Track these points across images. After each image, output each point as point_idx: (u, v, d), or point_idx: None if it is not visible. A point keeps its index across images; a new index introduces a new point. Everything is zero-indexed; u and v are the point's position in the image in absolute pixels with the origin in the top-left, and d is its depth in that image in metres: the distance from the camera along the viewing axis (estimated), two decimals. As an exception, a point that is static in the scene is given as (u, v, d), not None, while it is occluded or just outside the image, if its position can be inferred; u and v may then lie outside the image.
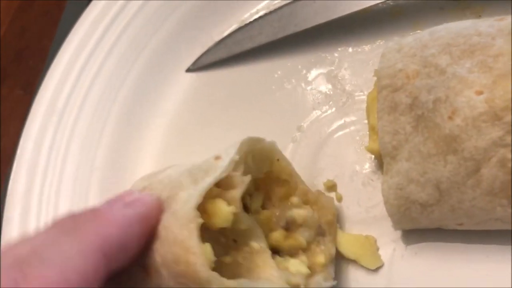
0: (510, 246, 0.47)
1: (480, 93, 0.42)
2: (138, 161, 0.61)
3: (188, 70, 0.65)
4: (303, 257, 0.48)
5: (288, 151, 0.57)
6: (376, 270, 0.50)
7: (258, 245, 0.46)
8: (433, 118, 0.44)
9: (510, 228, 0.44)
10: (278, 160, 0.49)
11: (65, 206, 0.61)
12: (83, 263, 0.35)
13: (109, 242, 0.38)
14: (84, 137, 0.63)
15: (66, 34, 0.68)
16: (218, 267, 0.42)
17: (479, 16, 0.54)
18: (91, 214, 0.40)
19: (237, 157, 0.45)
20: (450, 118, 0.43)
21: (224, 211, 0.43)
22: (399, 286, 0.49)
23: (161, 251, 0.41)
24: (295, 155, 0.57)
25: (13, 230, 0.59)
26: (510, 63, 0.41)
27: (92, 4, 0.68)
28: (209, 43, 0.65)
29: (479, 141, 0.42)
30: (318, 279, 0.47)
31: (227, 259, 0.44)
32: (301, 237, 0.49)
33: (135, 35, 0.66)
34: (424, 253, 0.49)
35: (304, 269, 0.47)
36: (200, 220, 0.40)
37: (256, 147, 0.48)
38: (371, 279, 0.50)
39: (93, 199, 0.61)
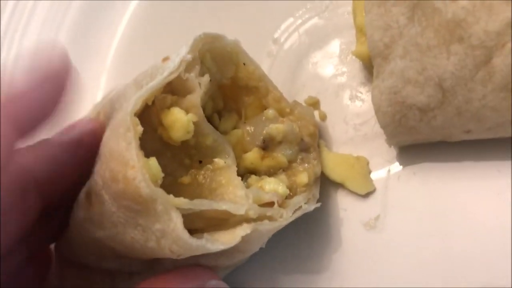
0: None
1: (490, -37, 0.34)
2: (91, 88, 0.53)
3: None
4: (282, 176, 0.41)
5: (263, 68, 0.48)
6: (368, 195, 0.43)
7: (222, 161, 0.38)
8: (432, 2, 0.36)
9: (527, 133, 0.37)
10: (244, 64, 0.41)
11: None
12: None
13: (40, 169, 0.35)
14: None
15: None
16: (178, 190, 0.36)
17: None
18: None
19: (189, 56, 0.37)
20: (453, -1, 0.35)
21: (182, 119, 0.36)
22: (396, 212, 0.42)
23: (100, 171, 0.34)
24: (271, 71, 0.49)
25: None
26: None
27: None
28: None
29: (490, 23, 0.34)
30: (299, 199, 0.40)
31: (186, 179, 0.37)
32: (281, 155, 0.42)
33: None
34: (425, 173, 0.42)
35: (281, 188, 0.40)
36: (140, 128, 0.33)
37: (215, 46, 0.40)
38: (363, 205, 0.43)
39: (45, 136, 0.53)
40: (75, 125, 0.39)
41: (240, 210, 0.35)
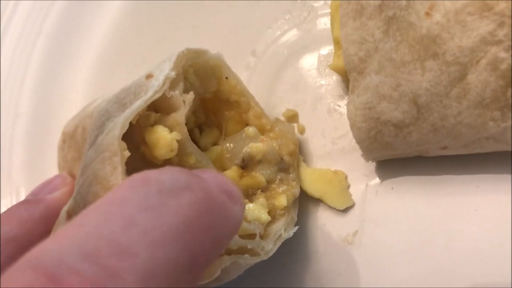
0: (504, 174, 0.39)
1: (464, -22, 0.33)
2: (69, 99, 0.53)
3: (124, -7, 0.55)
4: (261, 199, 0.40)
5: (242, 80, 0.48)
6: (347, 210, 0.42)
7: None
8: (407, 17, 0.35)
9: (504, 149, 0.36)
10: (226, 78, 0.41)
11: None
12: None
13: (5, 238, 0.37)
14: (5, 80, 0.54)
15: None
16: None
17: None
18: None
19: (173, 73, 0.36)
20: (427, 14, 0.34)
21: (166, 138, 0.36)
22: (374, 227, 0.41)
23: (83, 192, 0.33)
24: (250, 84, 0.48)
25: None
26: None
27: None
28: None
29: (464, 39, 0.33)
30: (278, 226, 0.39)
31: None
32: (260, 175, 0.41)
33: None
34: (402, 188, 0.41)
35: (264, 216, 0.39)
36: (127, 153, 0.33)
37: (198, 61, 0.39)
38: (341, 221, 0.42)
39: (19, 148, 0.52)
40: (40, 201, 0.42)
41: None
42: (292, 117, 0.46)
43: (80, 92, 0.53)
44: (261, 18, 0.49)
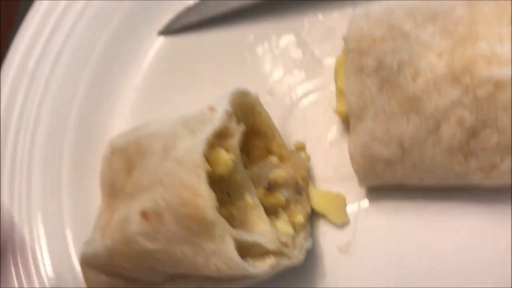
0: (467, 206, 0.50)
1: (441, 56, 0.44)
2: (111, 122, 0.63)
3: (160, 33, 0.65)
4: (284, 216, 0.50)
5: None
6: (343, 225, 0.53)
7: (252, 200, 0.47)
8: (397, 79, 0.46)
9: (467, 184, 0.47)
10: (259, 113, 0.51)
11: (39, 167, 0.61)
12: None
13: None
14: (55, 99, 0.64)
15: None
16: None
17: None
18: None
19: (230, 108, 0.46)
20: (413, 79, 0.45)
21: (225, 158, 0.45)
22: (363, 239, 0.52)
23: (166, 196, 0.42)
24: (267, 118, 0.58)
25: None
26: (468, 29, 0.44)
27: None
28: (181, 7, 0.65)
29: (439, 101, 0.44)
30: (300, 240, 0.49)
31: (222, 211, 0.45)
32: (281, 196, 0.51)
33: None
34: (387, 210, 0.52)
35: (290, 230, 0.49)
36: (208, 166, 0.42)
37: (244, 100, 0.49)
38: (338, 233, 0.53)
39: (67, 161, 0.62)
40: None
41: (271, 245, 0.45)
42: (301, 148, 0.56)
43: (121, 116, 0.63)
44: (279, 65, 0.60)
